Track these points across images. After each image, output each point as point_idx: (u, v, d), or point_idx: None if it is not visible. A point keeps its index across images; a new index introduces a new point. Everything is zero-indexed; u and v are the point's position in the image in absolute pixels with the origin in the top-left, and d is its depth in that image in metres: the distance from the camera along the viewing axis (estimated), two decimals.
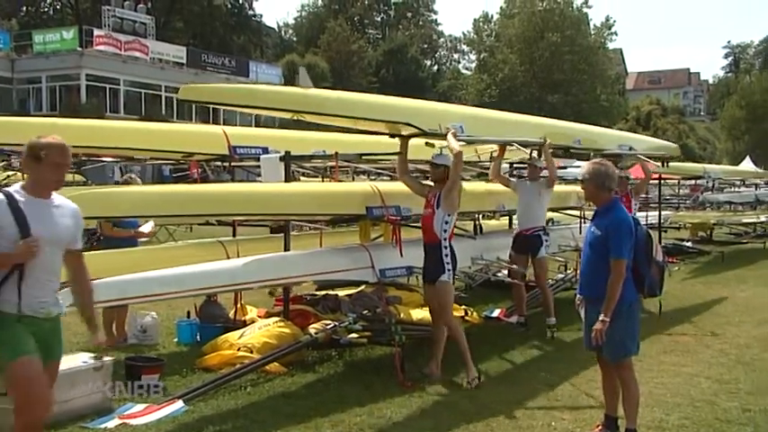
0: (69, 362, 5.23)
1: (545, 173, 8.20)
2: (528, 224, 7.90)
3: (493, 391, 5.79)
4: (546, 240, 7.90)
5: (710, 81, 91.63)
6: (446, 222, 6.06)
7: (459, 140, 6.22)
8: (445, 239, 6.06)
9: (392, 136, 6.83)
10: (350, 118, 6.38)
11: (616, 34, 73.42)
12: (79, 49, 34.68)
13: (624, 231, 4.58)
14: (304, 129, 9.23)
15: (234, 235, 8.36)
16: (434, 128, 6.28)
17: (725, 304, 9.90)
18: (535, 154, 8.22)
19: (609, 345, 4.57)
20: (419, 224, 8.16)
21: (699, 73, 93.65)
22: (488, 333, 7.77)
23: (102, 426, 4.88)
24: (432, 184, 6.43)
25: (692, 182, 17.39)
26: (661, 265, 5.08)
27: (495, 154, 8.22)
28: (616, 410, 4.82)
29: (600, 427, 4.83)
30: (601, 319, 4.49)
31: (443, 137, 6.27)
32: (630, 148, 9.67)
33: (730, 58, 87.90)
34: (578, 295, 4.86)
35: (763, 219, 18.37)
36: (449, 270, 6.07)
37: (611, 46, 58.43)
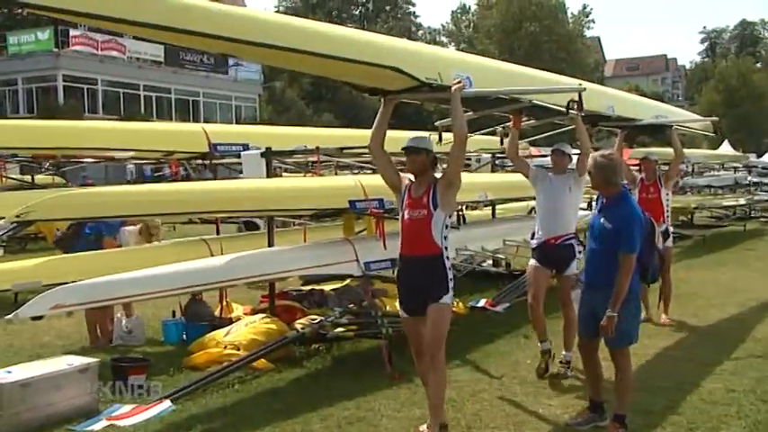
0: (55, 365, 5.22)
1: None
2: (556, 230, 5.96)
3: (480, 381, 5.82)
4: (579, 252, 5.95)
5: (688, 66, 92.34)
6: (446, 227, 4.59)
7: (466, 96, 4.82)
8: (447, 249, 4.59)
9: (372, 93, 5.17)
10: (312, 55, 4.47)
11: (593, 22, 73.84)
12: (55, 49, 34.26)
13: (636, 226, 4.59)
14: (284, 124, 9.25)
15: (217, 233, 8.34)
16: (433, 77, 4.92)
17: (707, 287, 10.00)
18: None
19: (614, 334, 4.56)
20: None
21: (676, 59, 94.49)
22: (474, 323, 7.79)
23: (90, 428, 4.85)
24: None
25: None
26: (661, 252, 5.10)
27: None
28: (600, 395, 4.87)
29: (586, 414, 4.87)
30: (608, 314, 4.49)
31: (443, 91, 4.89)
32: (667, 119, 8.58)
33: (706, 44, 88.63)
34: (579, 280, 4.89)
35: (742, 201, 18.57)
36: (452, 289, 4.58)
37: (588, 34, 58.80)
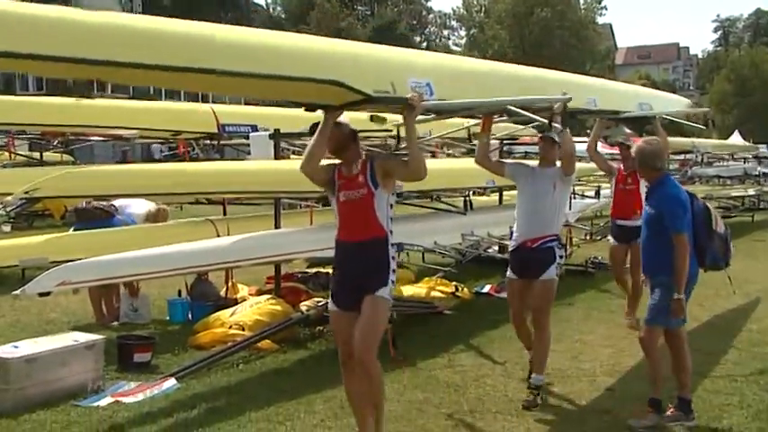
0: (61, 341, 5.26)
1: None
2: (535, 231, 5.13)
3: (483, 366, 5.84)
4: (560, 257, 5.18)
5: (700, 55, 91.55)
6: (390, 207, 4.07)
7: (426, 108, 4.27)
8: (392, 232, 4.05)
9: (308, 108, 4.24)
10: (239, 77, 3.56)
11: (606, 9, 73.29)
12: None
13: (676, 205, 4.59)
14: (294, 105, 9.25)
15: (224, 213, 8.35)
16: (384, 89, 4.08)
17: (714, 277, 9.88)
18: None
19: (661, 314, 4.60)
20: (410, 200, 8.19)
21: (688, 47, 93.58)
22: (479, 308, 7.82)
23: (95, 404, 4.89)
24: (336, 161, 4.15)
25: (681, 156, 17.40)
26: (724, 236, 4.99)
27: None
28: (659, 392, 4.79)
29: (673, 410, 4.74)
30: (675, 298, 4.49)
31: (399, 106, 4.09)
32: (651, 108, 7.45)
33: (719, 32, 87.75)
34: (643, 274, 4.90)
35: (751, 192, 18.47)
36: (393, 282, 4.03)
37: (600, 21, 58.30)
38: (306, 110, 4.21)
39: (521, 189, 5.33)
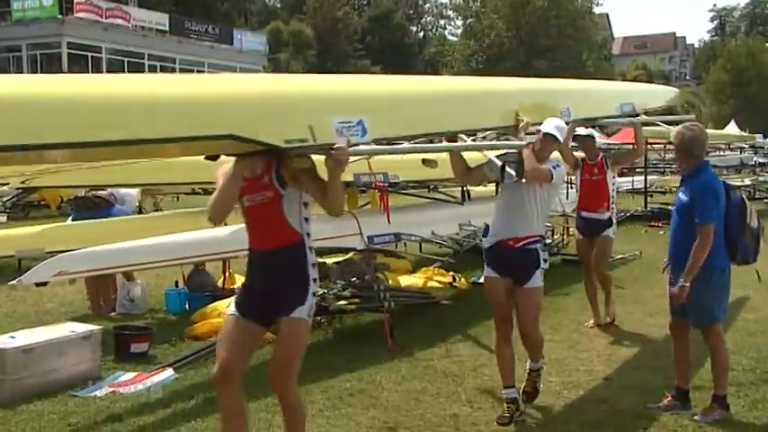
0: (58, 331, 5.25)
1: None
2: (517, 230, 4.56)
3: (481, 356, 5.84)
4: (545, 261, 4.65)
5: (696, 45, 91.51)
6: (305, 206, 3.46)
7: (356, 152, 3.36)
8: (308, 235, 3.48)
9: (208, 157, 3.41)
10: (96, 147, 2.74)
11: None
12: (59, 16, 34.04)
13: (710, 195, 4.47)
14: None
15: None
16: (299, 137, 3.15)
17: None
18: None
19: (694, 310, 4.52)
20: (407, 191, 8.18)
21: (684, 37, 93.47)
22: (476, 298, 7.81)
23: (92, 394, 4.90)
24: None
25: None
26: (756, 231, 4.86)
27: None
28: (687, 382, 4.78)
29: (669, 399, 4.76)
30: (680, 284, 4.43)
31: (321, 151, 3.22)
32: (633, 108, 6.61)
33: (716, 22, 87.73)
34: (668, 262, 4.74)
35: (747, 182, 18.52)
36: (313, 294, 3.44)
37: (597, 10, 58.11)
38: (206, 158, 3.39)
39: (506, 186, 4.66)
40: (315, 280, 3.45)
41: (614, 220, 6.92)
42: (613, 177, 6.99)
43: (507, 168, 4.35)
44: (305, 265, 3.43)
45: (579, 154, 7.07)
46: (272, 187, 3.39)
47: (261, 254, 3.49)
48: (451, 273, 8.32)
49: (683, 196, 4.60)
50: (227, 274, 7.67)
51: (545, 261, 4.65)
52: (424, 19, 72.01)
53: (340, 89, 4.00)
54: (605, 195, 6.81)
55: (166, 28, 38.07)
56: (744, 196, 4.86)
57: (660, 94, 8.08)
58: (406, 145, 4.57)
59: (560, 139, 4.71)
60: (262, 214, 3.44)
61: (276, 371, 3.44)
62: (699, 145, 4.62)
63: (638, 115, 6.55)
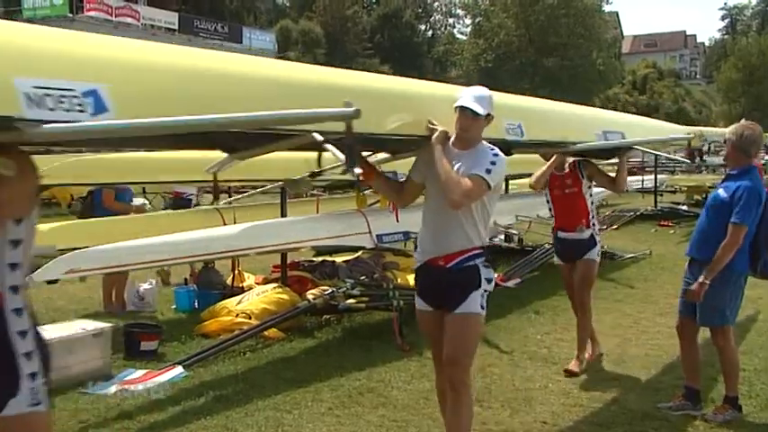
0: (68, 329, 5.28)
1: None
2: (449, 245, 3.60)
3: (489, 355, 5.84)
4: (488, 281, 3.65)
5: (707, 43, 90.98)
6: (13, 245, 2.13)
7: None
8: (17, 290, 2.17)
9: None
10: None
11: None
12: (69, 15, 34.19)
13: (754, 198, 4.38)
14: None
15: (214, 199, 8.34)
16: None
17: None
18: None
19: (705, 309, 4.46)
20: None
21: (695, 35, 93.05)
22: None
23: (103, 391, 4.92)
24: None
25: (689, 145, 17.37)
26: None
27: None
28: (697, 382, 4.73)
29: (680, 398, 4.72)
30: (700, 281, 4.36)
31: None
32: (624, 137, 5.59)
33: (727, 20, 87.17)
34: (689, 255, 4.63)
35: None
36: (32, 376, 2.14)
37: (607, 9, 57.86)
38: None
39: (430, 189, 3.71)
40: (29, 355, 2.13)
41: (597, 239, 5.65)
42: (589, 188, 5.67)
43: (334, 151, 2.87)
44: (5, 337, 2.11)
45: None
46: None
47: None
48: None
49: (723, 193, 4.47)
50: (236, 272, 7.69)
51: (488, 281, 3.64)
52: (432, 17, 71.92)
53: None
54: (583, 210, 5.58)
55: (176, 26, 38.15)
56: None
57: (662, 132, 7.29)
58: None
59: (482, 113, 3.50)
60: None
61: None
62: (755, 145, 4.56)
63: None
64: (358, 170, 3.03)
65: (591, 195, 5.70)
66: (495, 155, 3.55)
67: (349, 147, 2.78)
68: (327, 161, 3.22)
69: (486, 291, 3.62)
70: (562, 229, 5.68)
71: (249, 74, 2.92)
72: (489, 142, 3.67)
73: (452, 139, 3.60)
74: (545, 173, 5.63)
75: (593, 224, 5.62)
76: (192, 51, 3.06)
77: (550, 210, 5.85)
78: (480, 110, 3.51)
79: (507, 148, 4.05)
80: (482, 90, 3.64)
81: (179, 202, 11.58)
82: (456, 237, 3.58)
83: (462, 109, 3.54)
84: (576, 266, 5.60)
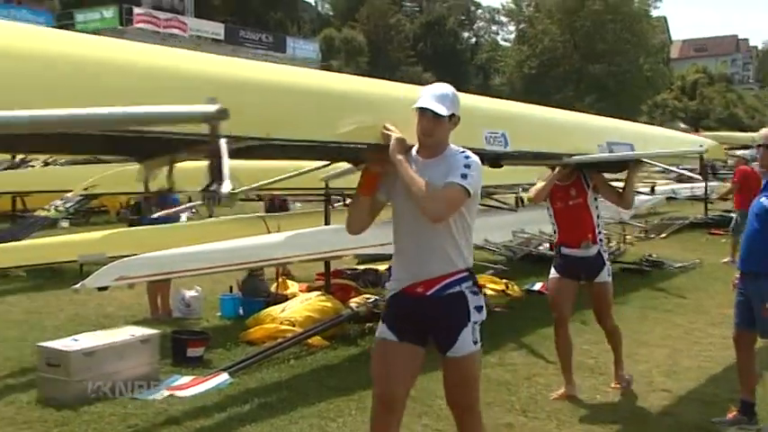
0: (118, 335, 5.37)
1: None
2: (429, 270, 3.13)
3: (535, 365, 5.76)
4: (479, 309, 3.15)
5: (760, 47, 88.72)
6: None
7: None
8: None
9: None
10: None
11: (660, 1, 71.62)
12: (120, 27, 35.07)
13: None
14: None
15: (271, 210, 8.43)
16: None
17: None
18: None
19: (765, 322, 4.32)
20: None
21: (747, 39, 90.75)
22: (530, 306, 7.71)
23: (151, 397, 4.99)
24: None
25: (739, 152, 16.91)
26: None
27: None
28: (753, 395, 4.57)
29: (735, 413, 4.56)
30: None
31: None
32: (633, 149, 5.56)
33: None
34: (740, 268, 4.48)
35: None
36: None
37: (654, 13, 56.93)
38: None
39: (397, 209, 3.27)
40: None
41: (606, 257, 5.16)
42: (596, 199, 5.15)
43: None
44: None
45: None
46: None
47: None
48: (504, 280, 8.22)
49: (766, 201, 4.32)
50: (280, 279, 7.75)
51: (478, 310, 3.13)
52: (476, 25, 71.71)
53: None
54: (589, 224, 5.06)
55: (222, 37, 38.81)
56: None
57: (682, 143, 6.91)
58: None
59: (444, 113, 3.04)
60: None
61: None
62: None
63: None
64: (226, 188, 2.26)
65: (597, 208, 5.16)
66: (467, 157, 3.09)
67: (213, 157, 2.17)
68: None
69: (476, 322, 3.11)
70: (565, 244, 5.11)
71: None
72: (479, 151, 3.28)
73: (415, 147, 3.17)
74: (546, 186, 5.10)
75: (601, 240, 5.11)
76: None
77: (553, 224, 5.29)
78: (442, 110, 3.04)
79: (496, 158, 3.82)
80: (444, 87, 3.17)
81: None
82: (435, 259, 3.09)
83: (422, 110, 3.07)
84: (590, 288, 5.10)
